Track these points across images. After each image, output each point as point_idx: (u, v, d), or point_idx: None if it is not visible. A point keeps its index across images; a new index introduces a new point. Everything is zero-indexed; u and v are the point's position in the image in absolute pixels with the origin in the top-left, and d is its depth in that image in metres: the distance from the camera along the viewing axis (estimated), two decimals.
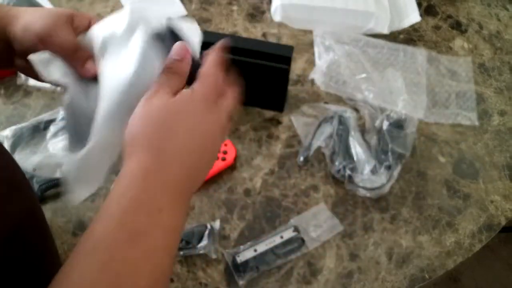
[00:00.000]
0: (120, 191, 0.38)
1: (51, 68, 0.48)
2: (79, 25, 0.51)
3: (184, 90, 0.43)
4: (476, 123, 0.84)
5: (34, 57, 0.47)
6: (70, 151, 0.46)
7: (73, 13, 0.51)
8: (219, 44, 0.47)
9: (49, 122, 0.76)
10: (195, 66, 0.45)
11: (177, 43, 0.45)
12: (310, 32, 0.93)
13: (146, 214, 0.37)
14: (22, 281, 0.46)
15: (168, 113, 0.41)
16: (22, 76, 0.81)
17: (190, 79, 0.45)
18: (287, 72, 0.74)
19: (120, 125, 0.42)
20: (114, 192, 0.38)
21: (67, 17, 0.50)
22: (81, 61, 0.49)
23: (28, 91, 0.82)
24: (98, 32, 0.48)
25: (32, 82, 0.82)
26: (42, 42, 0.47)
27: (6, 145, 0.73)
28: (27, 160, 0.72)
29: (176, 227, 0.39)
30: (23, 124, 0.75)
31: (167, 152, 0.40)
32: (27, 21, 0.48)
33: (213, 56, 0.46)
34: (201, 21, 0.94)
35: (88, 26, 0.51)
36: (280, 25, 0.94)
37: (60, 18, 0.49)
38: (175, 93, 0.43)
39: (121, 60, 0.45)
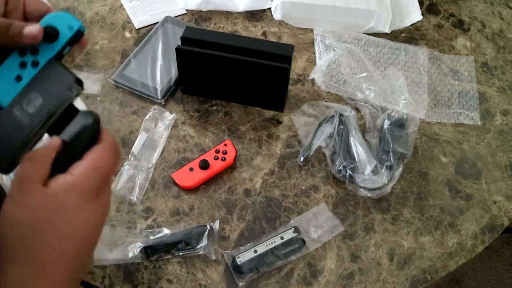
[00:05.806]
0: None
1: None
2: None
3: (62, 179, 0.37)
4: (479, 122, 0.83)
5: None
6: None
7: None
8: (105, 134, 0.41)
9: None
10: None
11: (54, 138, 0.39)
12: (311, 30, 0.92)
13: None
14: None
15: (45, 211, 0.35)
16: None
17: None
18: (287, 71, 0.74)
19: None
20: None
21: None
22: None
23: None
24: None
25: None
26: None
27: None
28: None
29: None
30: None
31: (48, 260, 0.35)
32: None
33: (108, 143, 0.40)
34: (200, 20, 0.93)
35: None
36: (281, 23, 0.93)
37: None
38: (44, 181, 0.37)
39: None
